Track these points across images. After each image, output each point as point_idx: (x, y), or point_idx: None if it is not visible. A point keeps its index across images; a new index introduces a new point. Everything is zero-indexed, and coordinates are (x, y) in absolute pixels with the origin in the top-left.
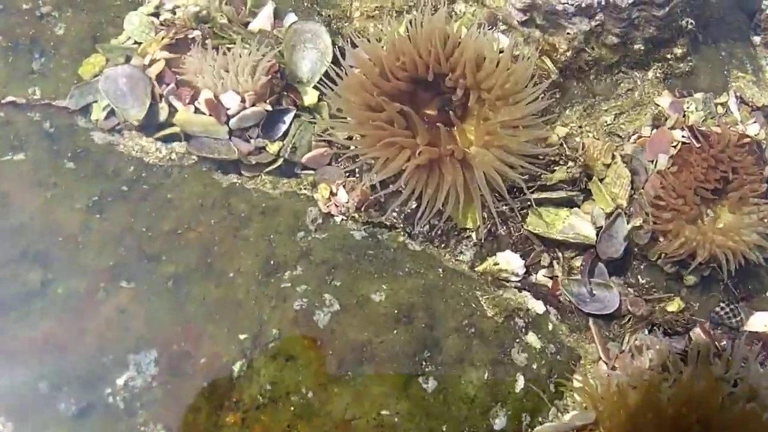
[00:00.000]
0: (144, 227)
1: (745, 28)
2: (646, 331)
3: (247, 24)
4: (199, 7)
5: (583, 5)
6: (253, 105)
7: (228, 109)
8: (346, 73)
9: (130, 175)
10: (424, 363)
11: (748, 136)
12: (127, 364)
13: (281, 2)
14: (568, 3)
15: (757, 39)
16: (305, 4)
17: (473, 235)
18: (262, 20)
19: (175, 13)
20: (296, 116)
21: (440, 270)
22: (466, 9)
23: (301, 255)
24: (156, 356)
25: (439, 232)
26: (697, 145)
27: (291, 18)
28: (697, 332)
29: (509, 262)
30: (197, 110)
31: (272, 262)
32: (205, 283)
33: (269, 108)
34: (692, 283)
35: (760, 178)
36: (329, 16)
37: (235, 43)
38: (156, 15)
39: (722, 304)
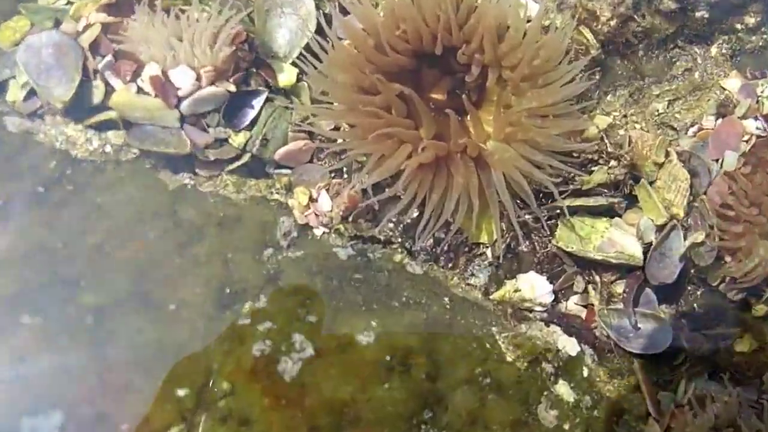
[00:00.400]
0: (61, 242)
1: None
2: (707, 377)
3: None
4: None
5: None
6: (211, 84)
7: (179, 88)
8: (332, 46)
9: (51, 172)
10: (424, 427)
11: None
12: None
13: None
14: None
15: None
16: None
17: (488, 251)
18: None
19: None
20: (268, 100)
21: (446, 299)
22: None
23: (268, 280)
24: (61, 421)
25: (447, 248)
26: None
27: None
28: None
29: (533, 287)
30: (140, 90)
31: (228, 291)
32: (136, 318)
33: (233, 88)
34: (764, 314)
35: None
36: None
37: (190, 5)
38: None
39: None
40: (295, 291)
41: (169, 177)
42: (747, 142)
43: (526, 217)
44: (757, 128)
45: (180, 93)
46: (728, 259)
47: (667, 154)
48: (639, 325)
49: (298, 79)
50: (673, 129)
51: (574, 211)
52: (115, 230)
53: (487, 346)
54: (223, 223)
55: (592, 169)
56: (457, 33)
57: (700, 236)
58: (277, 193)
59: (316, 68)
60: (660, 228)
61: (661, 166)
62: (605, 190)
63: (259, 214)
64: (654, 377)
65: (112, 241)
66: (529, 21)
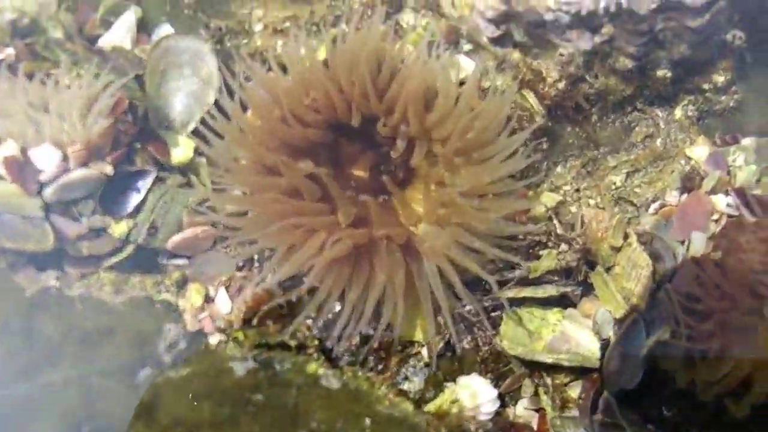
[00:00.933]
0: None
1: None
2: None
3: (96, 38)
4: (18, 13)
5: (584, 13)
6: (82, 165)
7: (41, 171)
8: (232, 117)
9: None
10: None
11: None
12: None
13: (151, 8)
14: (561, 9)
15: None
16: (186, 11)
17: (423, 351)
18: (119, 33)
19: None
20: (158, 179)
21: (368, 421)
22: (416, 21)
23: (139, 414)
24: None
25: (376, 346)
26: (752, 219)
27: (164, 30)
28: None
29: (475, 393)
30: None
31: (86, 430)
32: None
33: (109, 170)
34: (743, 416)
35: None
36: (220, 29)
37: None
38: None
39: None
40: (174, 424)
41: (29, 278)
42: (716, 221)
43: (467, 308)
44: (728, 205)
45: (42, 177)
46: (699, 358)
47: (626, 236)
48: None
49: (197, 153)
50: (633, 205)
51: (521, 302)
52: None
53: None
54: (88, 338)
55: (540, 253)
56: (377, 101)
57: (665, 333)
58: (167, 291)
59: (212, 145)
60: (619, 322)
61: (619, 249)
62: (556, 278)
63: (139, 322)
64: None
65: None
66: (462, 84)
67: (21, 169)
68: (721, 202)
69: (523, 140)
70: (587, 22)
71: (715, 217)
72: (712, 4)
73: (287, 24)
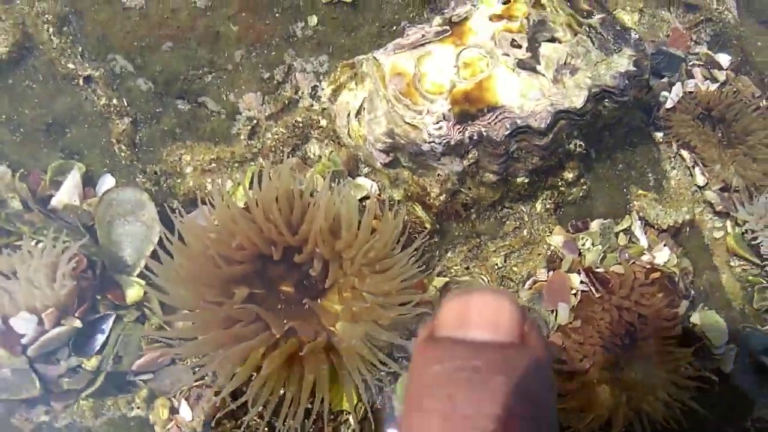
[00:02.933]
0: None
1: (645, 128)
2: None
3: (49, 199)
4: None
5: (452, 143)
6: (56, 324)
7: (22, 336)
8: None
9: None
10: None
11: (657, 269)
12: None
13: (93, 164)
14: (434, 142)
15: (659, 135)
16: (124, 161)
17: (350, 418)
18: (68, 191)
19: None
20: (118, 317)
21: None
22: (321, 151)
23: None
24: None
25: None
26: (597, 294)
27: (107, 183)
28: None
29: None
30: None
31: None
32: None
33: (79, 324)
34: None
35: (674, 322)
36: (156, 173)
37: (24, 237)
38: None
39: None
40: None
41: (23, 419)
42: (575, 295)
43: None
44: (582, 282)
45: (24, 340)
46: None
47: None
48: None
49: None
50: (513, 281)
51: None
52: None
53: None
54: None
55: None
56: (291, 237)
57: None
58: (138, 407)
59: (155, 285)
60: None
61: None
62: None
63: None
64: None
65: None
66: (366, 198)
67: (5, 336)
68: (576, 279)
69: (414, 249)
70: (456, 150)
71: (574, 291)
72: (554, 125)
73: (213, 164)
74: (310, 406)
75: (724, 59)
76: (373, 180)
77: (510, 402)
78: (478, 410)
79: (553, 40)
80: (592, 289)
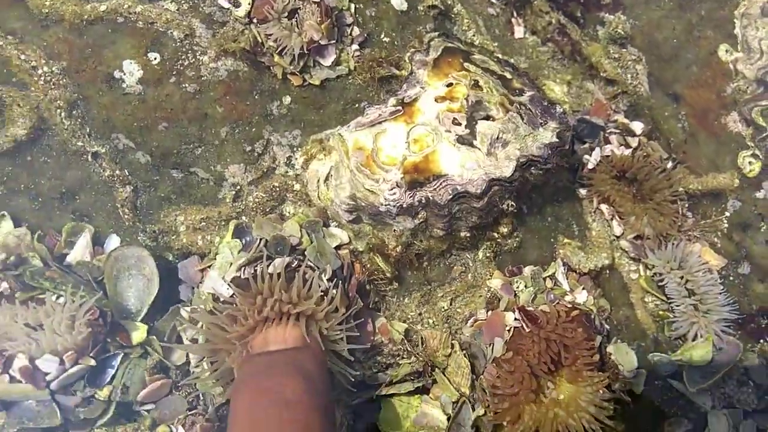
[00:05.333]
0: None
1: (570, 186)
2: None
3: (64, 257)
4: (6, 252)
5: (404, 205)
6: (75, 364)
7: (47, 374)
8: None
9: None
10: None
11: (577, 308)
12: None
13: (100, 225)
14: (390, 204)
15: (582, 192)
16: (127, 223)
17: None
18: (80, 250)
19: None
20: (125, 355)
21: None
22: (295, 210)
23: None
24: None
25: None
26: (527, 329)
27: (113, 242)
28: None
29: None
30: (12, 378)
31: None
32: None
33: (93, 363)
34: None
35: (591, 352)
36: (155, 232)
37: (47, 292)
38: None
39: None
40: None
41: None
42: (509, 331)
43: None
44: (516, 319)
45: (48, 377)
46: (505, 424)
47: (452, 346)
48: None
49: (149, 333)
50: (456, 321)
51: (392, 395)
52: None
53: None
54: None
55: (400, 362)
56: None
57: (480, 410)
58: None
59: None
60: (454, 403)
61: (449, 356)
62: (413, 378)
63: None
64: None
65: None
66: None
67: (32, 374)
68: (510, 317)
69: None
70: (408, 211)
71: (508, 327)
72: (488, 190)
73: (203, 223)
74: None
75: (637, 126)
76: (343, 232)
77: (292, 375)
78: (279, 383)
79: (488, 117)
80: (524, 324)
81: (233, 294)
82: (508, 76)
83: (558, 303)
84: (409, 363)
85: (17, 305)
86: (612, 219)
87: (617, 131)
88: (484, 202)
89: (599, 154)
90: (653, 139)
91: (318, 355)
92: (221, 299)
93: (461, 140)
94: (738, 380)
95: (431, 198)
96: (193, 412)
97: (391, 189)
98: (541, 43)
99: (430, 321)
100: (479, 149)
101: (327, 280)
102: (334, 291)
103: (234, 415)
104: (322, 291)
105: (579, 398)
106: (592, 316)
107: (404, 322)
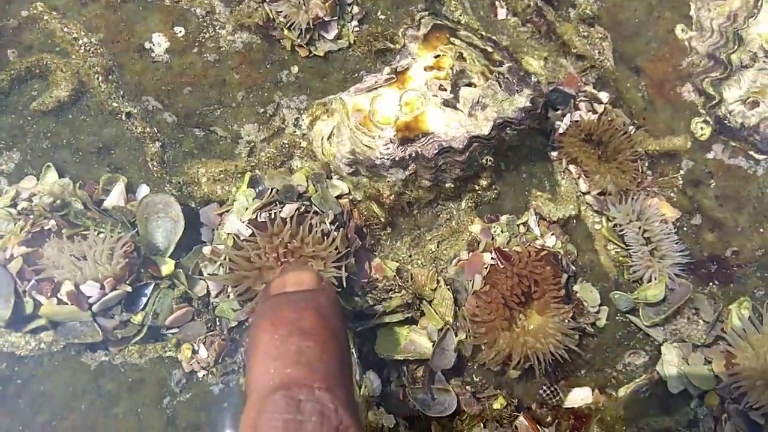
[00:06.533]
0: (20, 425)
1: (543, 148)
2: (482, 426)
3: (101, 202)
4: (53, 197)
5: (397, 158)
6: (113, 289)
7: (89, 297)
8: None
9: (2, 371)
10: None
11: (545, 249)
12: None
13: (132, 176)
14: (384, 157)
15: (554, 154)
16: (156, 175)
17: None
18: (116, 197)
19: (32, 201)
20: (156, 285)
21: None
22: (302, 164)
23: (167, 423)
24: None
25: None
26: (501, 266)
27: (143, 190)
28: (520, 420)
29: (372, 381)
30: (60, 301)
31: None
32: None
33: (129, 289)
34: (516, 376)
35: (558, 287)
36: (179, 182)
37: (89, 229)
38: (14, 206)
39: (544, 387)
40: (187, 427)
41: (89, 358)
42: (486, 268)
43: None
44: (492, 258)
45: (90, 300)
46: (483, 348)
47: (438, 281)
48: (435, 397)
49: (176, 267)
50: (443, 261)
51: (386, 324)
52: (56, 408)
53: None
54: (131, 386)
55: (392, 296)
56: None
57: (462, 335)
58: (170, 351)
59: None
60: (440, 331)
61: (435, 290)
62: (403, 309)
63: (158, 372)
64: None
65: (55, 416)
66: (340, 197)
67: (77, 297)
68: (488, 257)
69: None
70: (400, 163)
71: (486, 265)
72: (469, 146)
73: (221, 175)
74: None
75: (603, 95)
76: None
77: (309, 310)
78: (297, 317)
79: (470, 84)
80: (499, 262)
81: (252, 233)
82: (490, 50)
83: (529, 245)
84: (400, 296)
85: (64, 239)
86: (579, 177)
87: (586, 99)
88: (465, 157)
89: (569, 120)
90: (617, 107)
91: (331, 295)
92: (242, 237)
93: (446, 103)
94: (688, 318)
95: (420, 152)
96: (211, 333)
97: (386, 144)
98: (521, 23)
99: (420, 261)
100: (462, 111)
101: (330, 223)
102: (335, 233)
103: (255, 343)
104: (325, 233)
105: (546, 327)
106: (560, 257)
107: (396, 262)
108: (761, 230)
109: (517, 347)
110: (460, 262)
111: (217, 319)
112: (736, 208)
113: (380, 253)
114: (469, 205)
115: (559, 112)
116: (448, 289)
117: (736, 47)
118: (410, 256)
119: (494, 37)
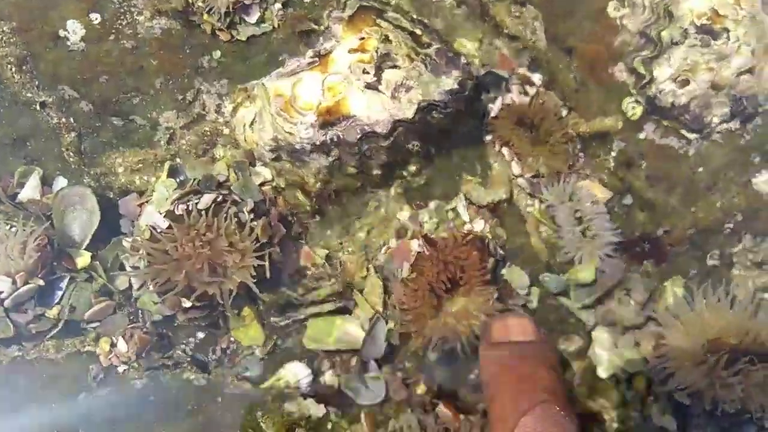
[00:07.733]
0: None
1: (476, 132)
2: (410, 411)
3: (15, 195)
4: None
5: (318, 143)
6: (25, 284)
7: (1, 292)
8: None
9: None
10: None
11: (471, 234)
12: None
13: (49, 168)
14: (304, 142)
15: (487, 138)
16: (73, 166)
17: (257, 351)
18: (31, 189)
19: None
20: (72, 279)
21: (219, 399)
22: (225, 152)
23: (82, 418)
24: None
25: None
26: (427, 253)
27: (60, 183)
28: (440, 408)
29: (296, 373)
30: None
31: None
32: None
33: (42, 283)
34: (435, 359)
35: (483, 271)
36: (97, 173)
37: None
38: None
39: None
40: (104, 421)
41: (2, 354)
42: (414, 256)
43: (283, 323)
44: (419, 245)
45: (2, 296)
46: (412, 335)
47: (368, 269)
48: (368, 385)
49: (93, 259)
50: (372, 249)
51: (317, 315)
52: None
53: (250, 431)
54: (45, 381)
55: (322, 285)
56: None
57: (391, 324)
58: (88, 345)
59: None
60: (370, 320)
61: (365, 278)
62: (334, 299)
63: (74, 367)
64: (378, 418)
65: None
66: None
67: None
68: (415, 244)
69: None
70: (321, 148)
71: (413, 252)
72: (394, 131)
73: (140, 165)
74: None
75: (536, 78)
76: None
77: (542, 365)
78: (533, 371)
79: (394, 67)
80: (425, 249)
81: (169, 225)
82: (419, 32)
83: (456, 231)
84: (330, 285)
85: None
86: (512, 160)
87: (518, 82)
88: (390, 141)
89: (501, 103)
90: (550, 89)
91: (553, 347)
92: (158, 229)
93: (369, 86)
94: (620, 299)
95: (342, 137)
96: (131, 325)
97: (306, 129)
98: (456, 5)
99: (350, 249)
100: (384, 94)
101: (249, 212)
102: (255, 223)
103: (500, 396)
104: (242, 222)
105: (468, 307)
106: (487, 241)
107: (326, 249)
108: (692, 209)
109: (438, 331)
110: (389, 250)
111: (140, 311)
112: (668, 188)
113: (310, 241)
114: (398, 192)
115: (492, 95)
116: (378, 277)
117: (667, 24)
118: (341, 243)
119: (426, 21)
